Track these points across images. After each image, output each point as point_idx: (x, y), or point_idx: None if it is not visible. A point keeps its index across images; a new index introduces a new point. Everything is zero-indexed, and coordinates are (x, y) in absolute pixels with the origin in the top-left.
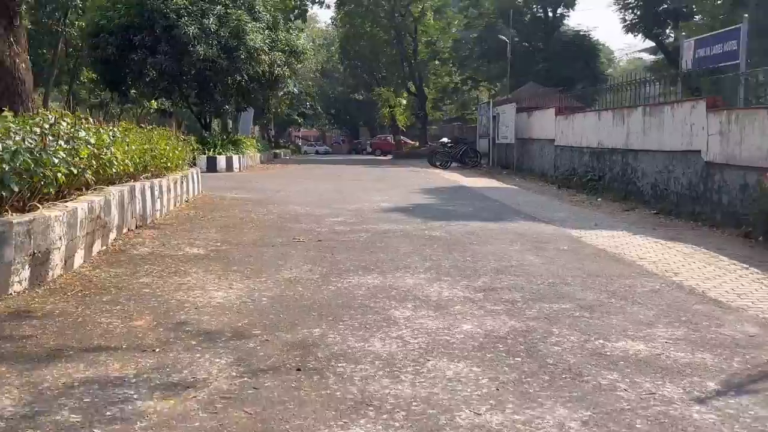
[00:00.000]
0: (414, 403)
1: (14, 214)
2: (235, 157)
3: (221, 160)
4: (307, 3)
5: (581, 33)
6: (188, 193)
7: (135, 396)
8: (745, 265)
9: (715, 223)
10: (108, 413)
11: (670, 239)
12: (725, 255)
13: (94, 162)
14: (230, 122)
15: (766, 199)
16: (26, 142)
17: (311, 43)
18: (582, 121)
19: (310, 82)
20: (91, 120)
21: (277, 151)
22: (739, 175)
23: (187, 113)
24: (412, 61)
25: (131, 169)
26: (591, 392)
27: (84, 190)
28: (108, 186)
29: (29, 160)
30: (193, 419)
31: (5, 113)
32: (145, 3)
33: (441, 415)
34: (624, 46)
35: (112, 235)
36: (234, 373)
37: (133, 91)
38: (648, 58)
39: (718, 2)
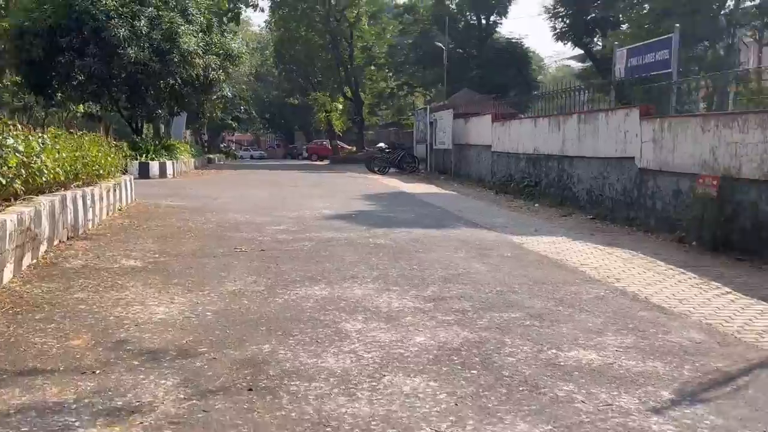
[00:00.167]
0: (373, 423)
1: None
2: (168, 163)
3: (154, 166)
4: (241, 6)
5: (513, 41)
6: (121, 201)
7: (76, 423)
8: (682, 270)
9: (649, 229)
10: None
11: (608, 245)
12: (662, 260)
13: (23, 171)
14: (162, 127)
15: (699, 205)
16: None
17: (246, 47)
18: (518, 127)
19: (244, 86)
20: (20, 126)
21: (211, 156)
22: (672, 181)
23: (116, 117)
24: (348, 66)
25: (62, 178)
26: (549, 405)
27: (12, 200)
28: (38, 196)
29: None
30: None
31: None
32: (73, 4)
33: None
34: (553, 53)
35: (43, 248)
36: (181, 396)
37: (60, 94)
38: (577, 65)
39: (644, 12)
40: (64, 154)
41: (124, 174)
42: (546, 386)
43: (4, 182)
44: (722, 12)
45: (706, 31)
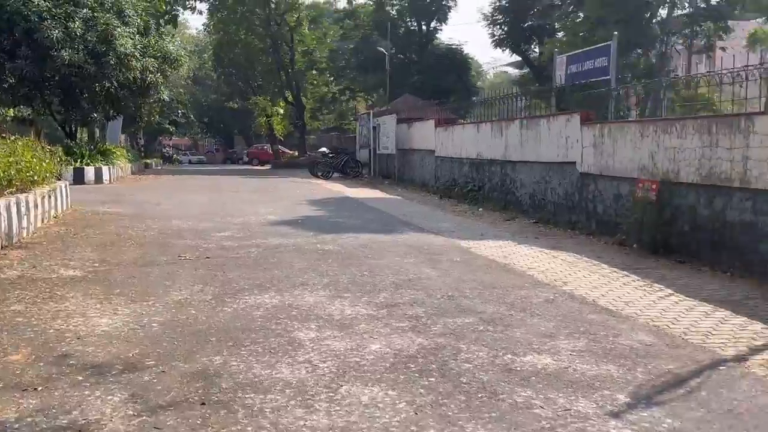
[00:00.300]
0: None
1: None
2: (104, 168)
3: (89, 172)
4: (178, 9)
5: (453, 47)
6: (57, 208)
7: None
8: (625, 273)
9: (591, 232)
10: None
11: (553, 248)
12: (605, 263)
13: None
14: (97, 131)
15: (639, 209)
16: None
17: (184, 50)
18: (461, 132)
19: (181, 90)
20: None
21: (148, 161)
22: (613, 185)
23: (48, 121)
24: (289, 70)
25: None
26: (509, 411)
27: None
28: None
29: None
30: None
31: None
32: (4, 5)
33: None
34: (491, 59)
35: None
36: (130, 412)
37: None
38: (514, 72)
39: (578, 20)
40: None
41: (58, 180)
42: (504, 392)
43: None
44: (654, 20)
45: (639, 39)
